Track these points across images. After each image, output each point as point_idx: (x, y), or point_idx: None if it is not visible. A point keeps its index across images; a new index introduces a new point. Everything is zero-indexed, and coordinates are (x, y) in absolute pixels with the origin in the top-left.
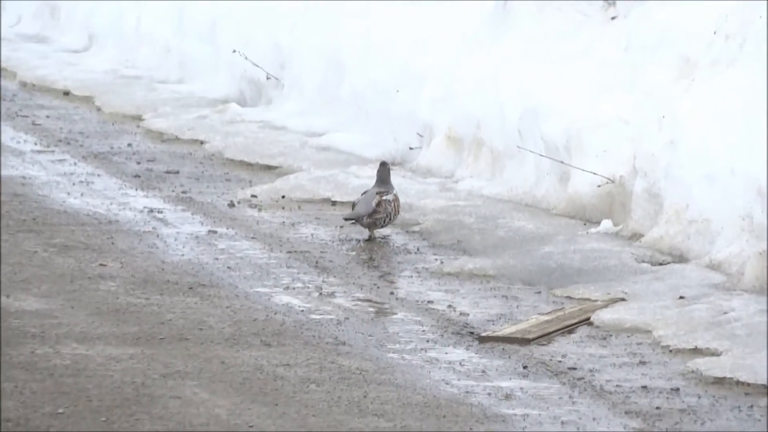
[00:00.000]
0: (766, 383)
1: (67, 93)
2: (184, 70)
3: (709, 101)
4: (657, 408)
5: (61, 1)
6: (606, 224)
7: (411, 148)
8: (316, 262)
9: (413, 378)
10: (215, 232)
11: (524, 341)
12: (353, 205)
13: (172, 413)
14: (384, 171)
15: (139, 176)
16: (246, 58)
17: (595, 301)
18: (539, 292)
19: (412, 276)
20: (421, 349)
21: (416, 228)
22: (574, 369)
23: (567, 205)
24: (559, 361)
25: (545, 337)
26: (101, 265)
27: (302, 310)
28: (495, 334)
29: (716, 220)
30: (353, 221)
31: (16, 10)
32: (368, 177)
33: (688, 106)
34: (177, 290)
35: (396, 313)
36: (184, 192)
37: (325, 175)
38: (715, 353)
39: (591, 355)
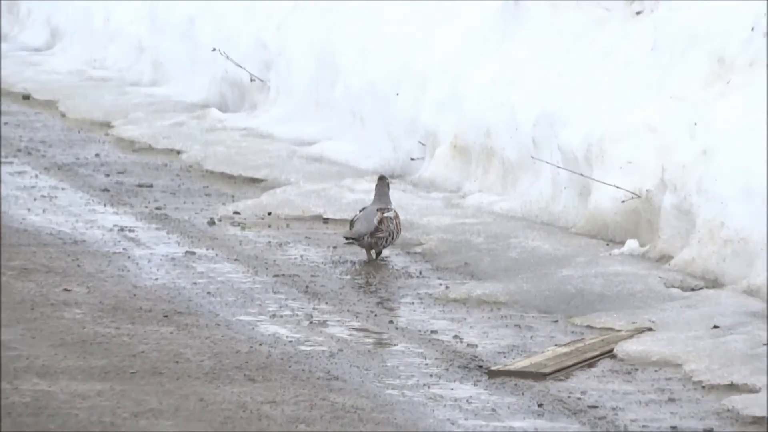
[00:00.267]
0: None
1: (27, 97)
2: (159, 71)
3: (746, 106)
4: None
5: None
6: (631, 244)
7: (412, 159)
8: (306, 287)
9: (415, 417)
10: (193, 253)
11: (539, 376)
12: (351, 223)
13: None
14: (383, 186)
15: (108, 190)
16: (227, 57)
17: (619, 331)
18: (556, 321)
19: (413, 303)
20: (424, 384)
21: (418, 249)
22: (595, 407)
23: (587, 223)
24: (579, 399)
25: (563, 372)
26: (65, 290)
27: (290, 341)
28: (506, 368)
29: (755, 240)
30: (353, 241)
31: None
32: (364, 191)
33: (723, 112)
34: (150, 319)
35: (396, 345)
36: (158, 208)
37: (316, 189)
38: (753, 390)
39: (614, 392)
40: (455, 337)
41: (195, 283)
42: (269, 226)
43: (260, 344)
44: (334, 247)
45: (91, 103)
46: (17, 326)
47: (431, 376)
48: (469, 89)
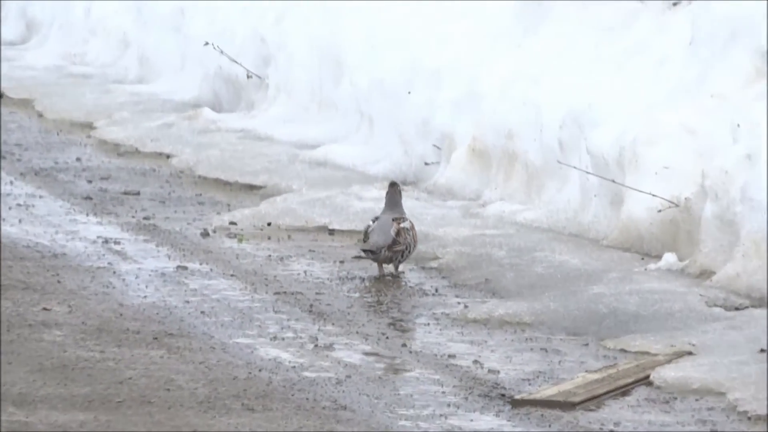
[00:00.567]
0: None
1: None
2: (146, 67)
3: None
4: None
5: None
6: (668, 258)
7: (426, 164)
8: (311, 306)
9: None
10: (185, 268)
11: (568, 405)
12: (365, 234)
13: None
14: (394, 194)
15: (91, 198)
16: (222, 52)
17: (656, 355)
18: (586, 344)
19: (429, 323)
20: (441, 415)
21: (434, 263)
22: None
23: (620, 235)
24: (611, 431)
25: (594, 401)
26: (44, 309)
27: (293, 367)
28: (532, 396)
29: None
30: (370, 255)
31: None
32: (374, 199)
33: None
34: (138, 341)
35: (409, 370)
36: (146, 218)
37: (321, 196)
38: None
39: (650, 423)
40: (475, 362)
41: (187, 302)
42: (269, 238)
43: (260, 370)
44: (341, 262)
45: (71, 102)
46: None
47: (449, 405)
48: (488, 87)
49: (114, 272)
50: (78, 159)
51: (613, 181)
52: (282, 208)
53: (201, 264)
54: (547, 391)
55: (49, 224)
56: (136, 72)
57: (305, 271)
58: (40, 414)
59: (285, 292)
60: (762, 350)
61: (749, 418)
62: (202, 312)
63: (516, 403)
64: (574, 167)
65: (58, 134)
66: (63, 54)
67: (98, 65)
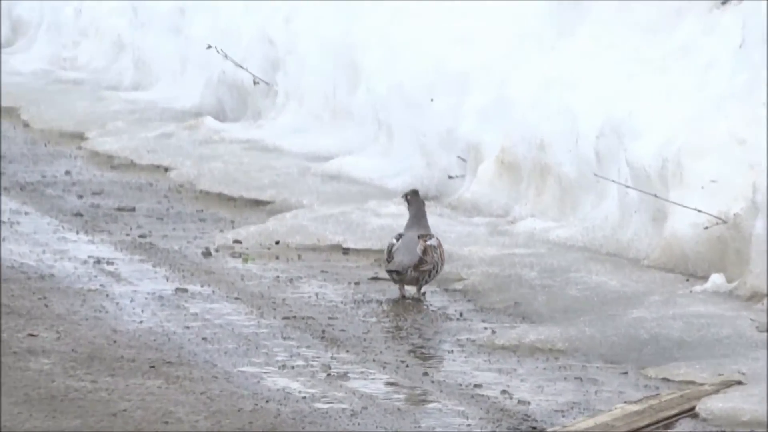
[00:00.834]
0: None
1: None
2: (142, 73)
3: None
4: None
5: None
6: (716, 280)
7: (450, 177)
8: (323, 332)
9: None
10: (185, 290)
11: None
12: (389, 252)
13: None
14: (418, 203)
15: (82, 215)
16: (225, 56)
17: (702, 384)
18: (625, 373)
19: (453, 350)
20: None
21: (458, 285)
22: None
23: (663, 254)
24: None
25: None
26: (31, 335)
27: (304, 397)
28: (565, 429)
29: None
30: (395, 276)
31: None
32: (392, 215)
33: None
34: (134, 370)
35: (431, 401)
36: (142, 236)
37: (334, 213)
38: None
39: None
40: (503, 392)
41: (187, 327)
42: (277, 258)
43: (267, 401)
44: (357, 283)
45: (61, 110)
46: None
47: None
48: (518, 93)
49: (107, 295)
50: (67, 172)
51: (656, 195)
52: (291, 225)
53: (202, 286)
54: (583, 424)
55: (36, 243)
56: (131, 77)
57: (317, 294)
58: None
59: (295, 317)
60: None
61: None
62: (204, 338)
63: None
64: (613, 181)
65: (45, 145)
66: (52, 58)
67: (90, 70)
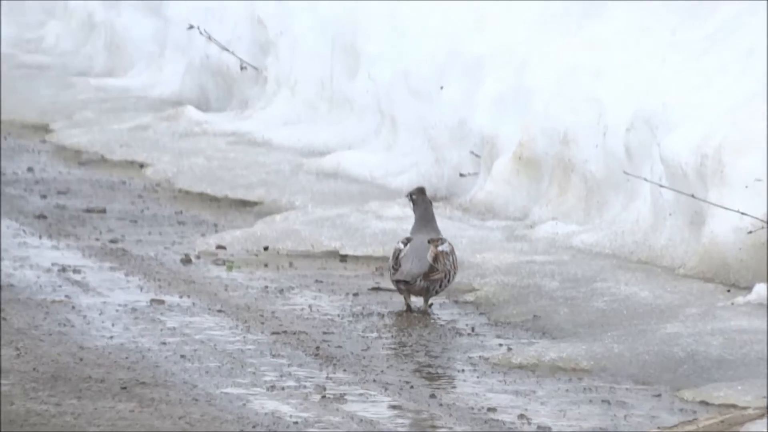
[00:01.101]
0: None
1: None
2: (115, 57)
3: None
4: None
5: None
6: (760, 290)
7: (462, 175)
8: (317, 349)
9: None
10: (162, 302)
11: None
12: (395, 259)
13: None
14: (424, 203)
15: (46, 217)
16: (209, 38)
17: (745, 408)
18: (658, 395)
19: (464, 370)
20: None
21: (470, 297)
22: None
23: (701, 262)
24: None
25: None
26: None
27: (296, 422)
28: None
29: None
30: (402, 286)
31: None
32: (395, 218)
33: None
34: (103, 392)
35: (440, 427)
36: (113, 241)
37: (330, 215)
38: None
39: None
40: (521, 416)
41: (164, 343)
42: (265, 266)
43: (254, 426)
44: (355, 294)
45: (23, 98)
46: None
47: None
48: (539, 81)
49: (73, 307)
50: (30, 169)
51: (693, 196)
52: (282, 229)
53: (181, 297)
54: None
55: None
56: (103, 62)
57: (310, 306)
58: None
59: (285, 332)
60: None
61: None
62: (183, 356)
63: None
64: (645, 179)
65: (6, 138)
66: (14, 40)
67: (57, 53)
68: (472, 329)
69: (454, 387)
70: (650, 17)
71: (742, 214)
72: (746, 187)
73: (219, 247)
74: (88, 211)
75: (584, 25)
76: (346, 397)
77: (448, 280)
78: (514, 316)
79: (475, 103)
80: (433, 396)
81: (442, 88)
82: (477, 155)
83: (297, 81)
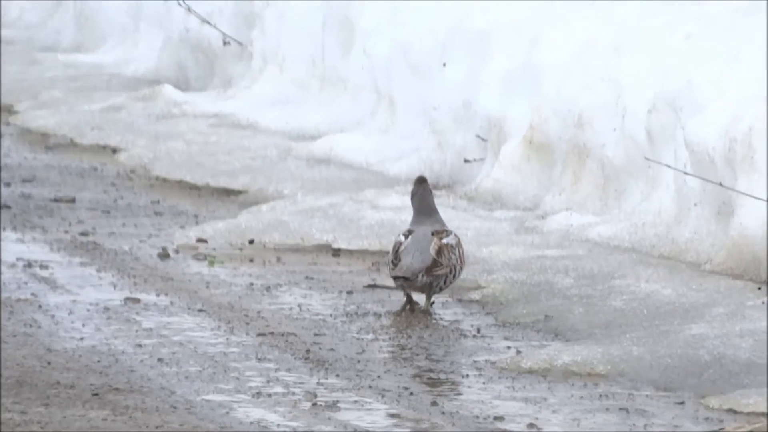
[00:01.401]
0: None
1: None
2: (85, 31)
3: None
4: None
5: None
6: None
7: (466, 161)
8: (307, 352)
9: None
10: (137, 300)
11: None
12: (395, 254)
13: None
14: (426, 193)
15: (9, 207)
16: (189, 9)
17: None
18: (681, 403)
19: (468, 375)
20: None
21: (475, 295)
22: None
23: (729, 257)
24: None
25: None
26: None
27: None
28: None
29: None
30: (403, 283)
31: None
32: (393, 208)
33: None
34: (73, 398)
35: None
36: (84, 234)
37: (322, 205)
38: None
39: None
40: (531, 425)
41: (139, 346)
42: (251, 261)
43: None
44: (349, 292)
45: None
46: None
47: None
48: (551, 57)
49: (39, 306)
50: None
51: (720, 184)
52: (269, 220)
53: (158, 295)
54: None
55: None
56: (72, 36)
57: (300, 306)
58: None
59: (272, 333)
60: None
61: None
62: (160, 359)
63: None
64: (668, 166)
65: None
66: None
67: (21, 27)
68: (478, 330)
69: (457, 394)
70: None
71: None
72: None
73: (200, 240)
74: (56, 200)
75: None
76: (339, 404)
77: (454, 276)
78: (524, 316)
79: (482, 81)
80: (434, 403)
81: (444, 65)
82: (483, 139)
83: (285, 57)
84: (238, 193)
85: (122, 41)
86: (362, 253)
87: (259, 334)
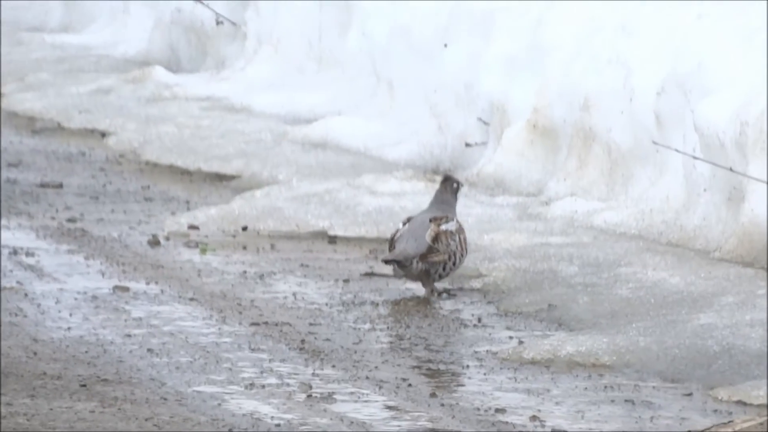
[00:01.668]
0: None
1: None
2: (73, 11)
3: None
4: None
5: None
6: None
7: (468, 145)
8: (302, 342)
9: None
10: (126, 289)
11: None
12: (391, 241)
13: None
14: (444, 192)
15: None
16: None
17: None
18: (689, 394)
19: (469, 365)
20: None
21: (476, 283)
22: None
23: (739, 244)
24: None
25: None
26: None
27: (278, 425)
28: None
29: None
30: (396, 268)
31: None
32: (392, 193)
33: None
34: (60, 390)
35: (442, 429)
36: (71, 220)
37: (318, 190)
38: None
39: None
40: (533, 418)
41: (129, 336)
42: (244, 248)
43: (230, 429)
44: (346, 281)
45: None
46: None
47: None
48: (556, 38)
49: (26, 295)
50: None
51: (731, 169)
52: (263, 206)
53: (148, 284)
54: None
55: None
56: (59, 16)
57: (295, 294)
58: None
59: (266, 323)
60: None
61: None
62: (150, 350)
63: None
64: (676, 150)
65: None
66: None
67: (7, 6)
68: (479, 320)
69: (457, 385)
70: None
71: None
72: None
73: (191, 227)
74: (43, 186)
75: None
76: (334, 396)
77: (454, 263)
78: (527, 305)
79: (484, 63)
80: (433, 395)
81: (446, 46)
82: (485, 123)
83: (280, 38)
84: (232, 178)
85: (111, 21)
86: (359, 241)
87: (253, 324)
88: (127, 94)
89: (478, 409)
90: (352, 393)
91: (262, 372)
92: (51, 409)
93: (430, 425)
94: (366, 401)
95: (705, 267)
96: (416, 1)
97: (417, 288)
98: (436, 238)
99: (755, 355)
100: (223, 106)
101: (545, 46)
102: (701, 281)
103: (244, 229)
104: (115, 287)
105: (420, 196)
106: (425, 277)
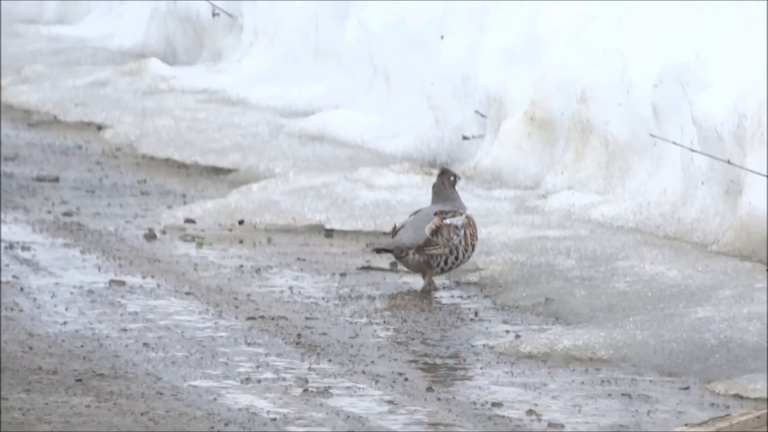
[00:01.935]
0: None
1: None
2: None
3: None
4: None
5: None
6: None
7: (465, 138)
8: (299, 336)
9: None
10: (122, 283)
11: None
12: (394, 231)
13: None
14: (442, 186)
15: None
16: None
17: None
18: (686, 388)
19: (465, 360)
20: None
21: (473, 277)
22: None
23: (737, 237)
24: None
25: None
26: None
27: (273, 419)
28: None
29: None
30: (396, 256)
31: None
32: (389, 187)
33: None
34: (56, 384)
35: (438, 424)
36: (67, 214)
37: (315, 184)
38: None
39: None
40: (530, 412)
41: (125, 330)
42: (241, 242)
43: (226, 424)
44: (342, 275)
45: None
46: None
47: None
48: (553, 30)
49: (21, 289)
50: None
51: (729, 162)
52: (260, 200)
53: (144, 278)
54: None
55: None
56: (55, 8)
57: (291, 288)
58: None
59: (262, 317)
60: None
61: None
62: (146, 344)
63: None
64: (674, 143)
65: None
66: None
67: None
68: (476, 314)
69: (454, 379)
70: None
71: None
72: None
73: (188, 220)
74: (39, 179)
75: None
76: (331, 390)
77: (456, 257)
78: (524, 299)
79: (481, 55)
80: (430, 389)
81: (442, 38)
82: (482, 115)
83: (277, 30)
84: (228, 171)
85: (107, 13)
86: (356, 234)
87: (249, 318)
88: (123, 87)
89: (475, 403)
90: (348, 387)
91: (258, 366)
92: (46, 404)
93: (426, 419)
94: (362, 395)
95: (702, 260)
96: None
97: (414, 282)
98: (435, 231)
99: (752, 348)
100: (219, 98)
101: (542, 38)
102: (699, 274)
103: (241, 222)
104: (111, 281)
105: (417, 189)
106: (427, 269)
